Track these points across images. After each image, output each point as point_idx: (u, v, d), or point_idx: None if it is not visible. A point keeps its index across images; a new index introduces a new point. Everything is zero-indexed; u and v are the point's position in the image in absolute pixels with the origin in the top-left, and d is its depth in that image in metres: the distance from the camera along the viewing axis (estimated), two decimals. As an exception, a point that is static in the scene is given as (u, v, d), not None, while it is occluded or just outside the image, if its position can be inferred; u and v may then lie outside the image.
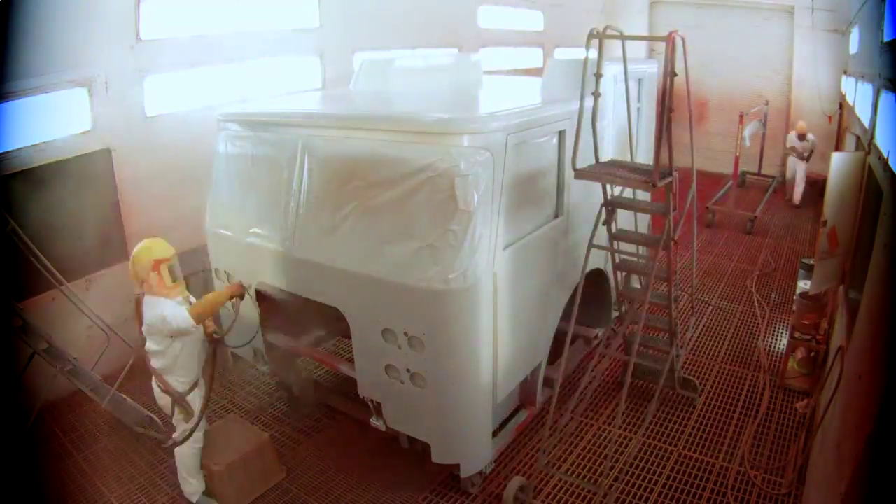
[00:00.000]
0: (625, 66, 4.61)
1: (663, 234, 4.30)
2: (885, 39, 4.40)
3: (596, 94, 4.00)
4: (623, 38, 4.11)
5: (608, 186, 4.42)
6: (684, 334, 6.04)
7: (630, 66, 5.77)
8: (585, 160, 4.21)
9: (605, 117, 5.32)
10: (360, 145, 4.06)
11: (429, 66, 6.65)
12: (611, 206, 4.45)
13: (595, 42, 3.96)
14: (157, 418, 5.22)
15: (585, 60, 4.08)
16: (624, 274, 5.23)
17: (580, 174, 4.14)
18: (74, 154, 5.72)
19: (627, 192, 5.16)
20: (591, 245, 4.44)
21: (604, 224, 4.46)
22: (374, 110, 4.81)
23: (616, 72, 5.40)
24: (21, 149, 5.28)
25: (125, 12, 5.89)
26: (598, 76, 4.01)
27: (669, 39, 3.68)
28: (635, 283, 6.10)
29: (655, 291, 4.90)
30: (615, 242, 4.68)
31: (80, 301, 5.10)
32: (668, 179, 3.99)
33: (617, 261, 4.84)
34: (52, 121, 5.50)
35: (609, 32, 3.95)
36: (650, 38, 5.19)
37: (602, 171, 4.19)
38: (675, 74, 3.72)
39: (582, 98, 4.05)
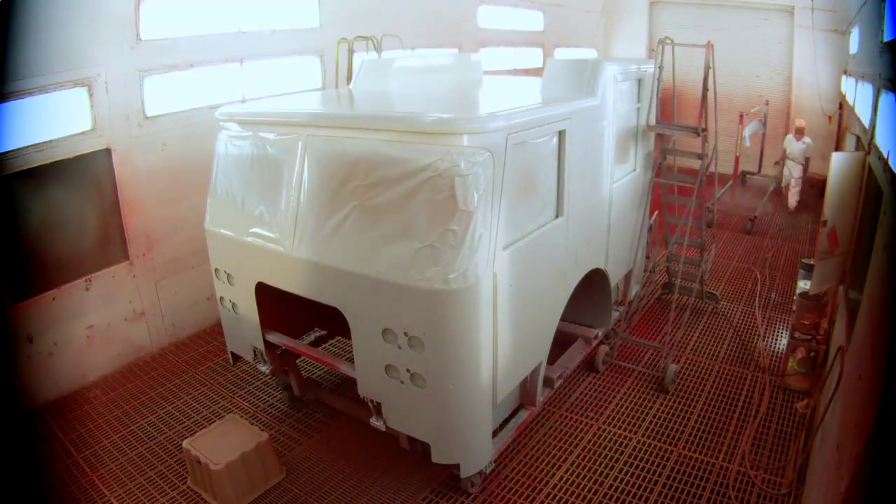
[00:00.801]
0: (673, 69, 6.08)
1: (700, 171, 6.10)
2: (885, 39, 4.39)
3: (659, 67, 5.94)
4: (674, 44, 5.93)
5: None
6: (709, 251, 7.28)
7: (629, 66, 5.81)
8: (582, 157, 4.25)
9: (606, 117, 5.33)
10: (360, 145, 4.05)
11: (429, 66, 6.65)
12: (666, 152, 6.47)
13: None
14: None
15: (662, 40, 5.95)
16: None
17: (651, 129, 6.20)
18: (74, 154, 5.73)
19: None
20: (652, 181, 6.47)
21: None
22: (374, 110, 4.80)
23: (616, 71, 5.42)
24: (21, 149, 5.28)
25: (125, 12, 5.89)
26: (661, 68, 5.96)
27: (708, 46, 5.76)
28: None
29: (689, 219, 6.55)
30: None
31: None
32: (705, 133, 5.95)
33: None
34: (52, 121, 5.50)
35: (666, 41, 5.90)
36: (693, 46, 6.09)
37: (666, 125, 6.40)
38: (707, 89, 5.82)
39: (655, 71, 5.95)
